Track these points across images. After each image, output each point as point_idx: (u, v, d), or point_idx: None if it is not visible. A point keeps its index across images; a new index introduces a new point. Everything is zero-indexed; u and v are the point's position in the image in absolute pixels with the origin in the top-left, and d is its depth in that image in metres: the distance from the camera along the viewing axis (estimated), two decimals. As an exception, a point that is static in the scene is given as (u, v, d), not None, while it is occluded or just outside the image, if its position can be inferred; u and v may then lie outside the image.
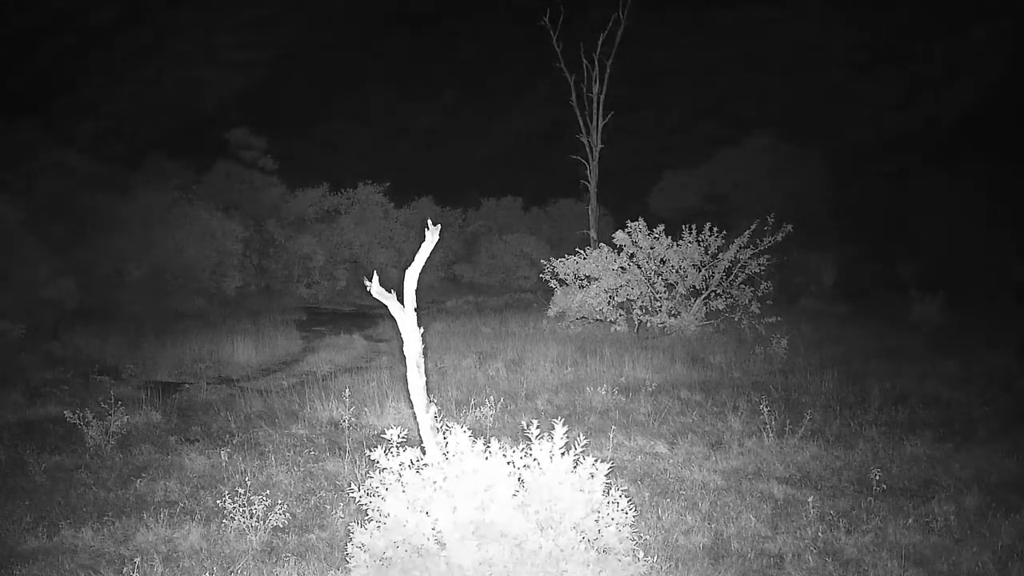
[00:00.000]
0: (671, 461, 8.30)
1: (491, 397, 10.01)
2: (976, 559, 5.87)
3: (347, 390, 9.89)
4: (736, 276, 16.52)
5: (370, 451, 4.82)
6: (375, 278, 5.38)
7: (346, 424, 9.29)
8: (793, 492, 7.34)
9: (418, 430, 5.21)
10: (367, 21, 47.78)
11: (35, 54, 34.74)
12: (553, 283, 17.40)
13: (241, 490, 6.59)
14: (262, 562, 5.94)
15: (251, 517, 6.37)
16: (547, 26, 23.72)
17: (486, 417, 9.50)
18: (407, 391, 5.45)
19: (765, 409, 8.95)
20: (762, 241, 16.18)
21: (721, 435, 9.12)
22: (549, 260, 17.47)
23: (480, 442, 4.57)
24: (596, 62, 23.42)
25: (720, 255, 16.48)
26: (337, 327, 18.29)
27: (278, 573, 5.78)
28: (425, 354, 5.35)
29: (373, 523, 4.56)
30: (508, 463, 4.50)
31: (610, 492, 4.64)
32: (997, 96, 28.48)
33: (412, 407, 5.27)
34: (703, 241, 16.46)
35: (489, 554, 4.32)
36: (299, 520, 6.75)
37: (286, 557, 6.00)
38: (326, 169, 30.61)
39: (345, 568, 5.23)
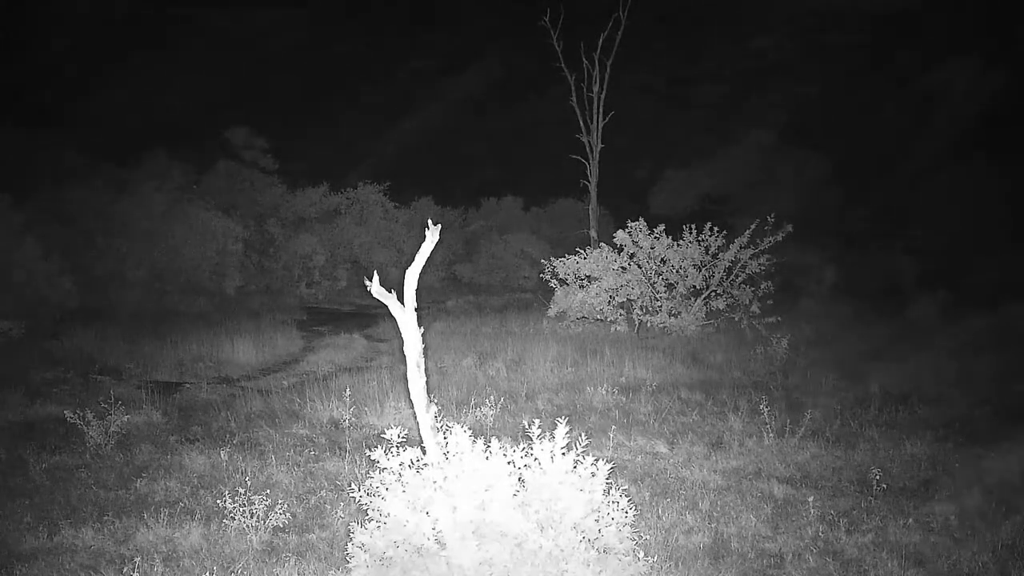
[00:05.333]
0: (671, 461, 8.30)
1: (491, 397, 10.01)
2: (976, 559, 5.87)
3: (347, 390, 9.89)
4: (736, 276, 16.52)
5: (370, 451, 4.82)
6: (375, 278, 5.38)
7: (346, 424, 9.29)
8: (793, 492, 7.34)
9: (418, 430, 5.21)
10: (367, 20, 47.81)
11: (34, 55, 34.77)
12: (553, 283, 17.40)
13: (241, 490, 6.59)
14: (262, 562, 5.94)
15: (251, 517, 6.37)
16: (547, 26, 23.76)
17: (486, 417, 9.50)
18: (407, 391, 5.45)
19: (765, 409, 8.96)
20: (762, 241, 16.18)
21: (721, 435, 9.12)
22: (549, 260, 17.47)
23: (480, 442, 4.57)
24: (596, 62, 23.44)
25: (720, 255, 16.48)
26: (337, 327, 18.30)
27: (278, 573, 5.78)
28: (425, 354, 5.35)
29: (373, 523, 4.56)
30: (508, 463, 4.50)
31: (610, 492, 4.64)
32: (1000, 94, 28.51)
33: (412, 407, 5.27)
34: (703, 241, 16.47)
35: (489, 554, 4.32)
36: (299, 520, 6.75)
37: (286, 557, 6.00)
38: (326, 169, 30.62)
39: (345, 568, 5.23)
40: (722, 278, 16.53)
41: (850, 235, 26.56)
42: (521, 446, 4.61)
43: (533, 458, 4.55)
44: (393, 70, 47.70)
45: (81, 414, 8.65)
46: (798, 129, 31.13)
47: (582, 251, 17.29)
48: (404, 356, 5.31)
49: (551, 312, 17.24)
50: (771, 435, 8.76)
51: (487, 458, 4.51)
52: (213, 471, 7.98)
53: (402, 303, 5.29)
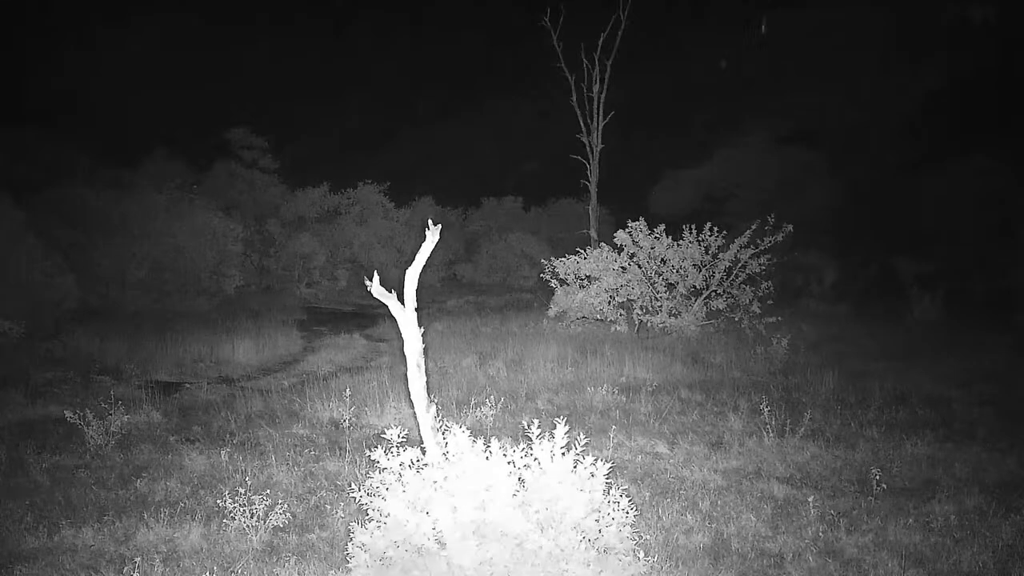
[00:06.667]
0: (671, 461, 8.30)
1: (491, 397, 10.01)
2: (976, 559, 5.87)
3: (347, 390, 9.90)
4: (736, 276, 16.52)
5: (370, 451, 4.82)
6: (375, 278, 5.38)
7: (346, 424, 9.29)
8: (793, 492, 7.34)
9: (418, 430, 5.21)
10: (367, 21, 47.82)
11: (35, 55, 34.79)
12: (553, 283, 17.40)
13: (241, 490, 6.59)
14: (262, 562, 5.93)
15: (251, 517, 6.37)
16: (547, 26, 23.77)
17: (486, 417, 9.50)
18: (407, 391, 5.45)
19: (765, 409, 8.96)
20: (762, 241, 16.18)
21: (721, 435, 9.12)
22: (549, 260, 17.48)
23: (480, 442, 4.57)
24: (596, 62, 23.44)
25: (720, 255, 16.49)
26: (337, 327, 18.30)
27: (278, 573, 5.78)
28: (425, 354, 5.35)
29: (373, 523, 4.56)
30: (508, 463, 4.50)
31: (611, 492, 4.64)
32: (1000, 94, 28.51)
33: (412, 407, 5.27)
34: (703, 241, 16.47)
35: (489, 554, 4.32)
36: (299, 520, 6.75)
37: (286, 557, 6.00)
38: (326, 169, 30.63)
39: (345, 568, 5.23)
40: (722, 278, 16.53)
41: (851, 235, 26.56)
42: (521, 446, 4.61)
43: (533, 458, 4.56)
44: (393, 70, 47.71)
45: (81, 414, 8.65)
46: (798, 128, 31.12)
47: (582, 251, 17.30)
48: (404, 356, 5.32)
49: (551, 312, 17.24)
50: (771, 435, 8.76)
51: (487, 458, 4.51)
52: (213, 471, 7.98)
53: (402, 303, 5.30)
